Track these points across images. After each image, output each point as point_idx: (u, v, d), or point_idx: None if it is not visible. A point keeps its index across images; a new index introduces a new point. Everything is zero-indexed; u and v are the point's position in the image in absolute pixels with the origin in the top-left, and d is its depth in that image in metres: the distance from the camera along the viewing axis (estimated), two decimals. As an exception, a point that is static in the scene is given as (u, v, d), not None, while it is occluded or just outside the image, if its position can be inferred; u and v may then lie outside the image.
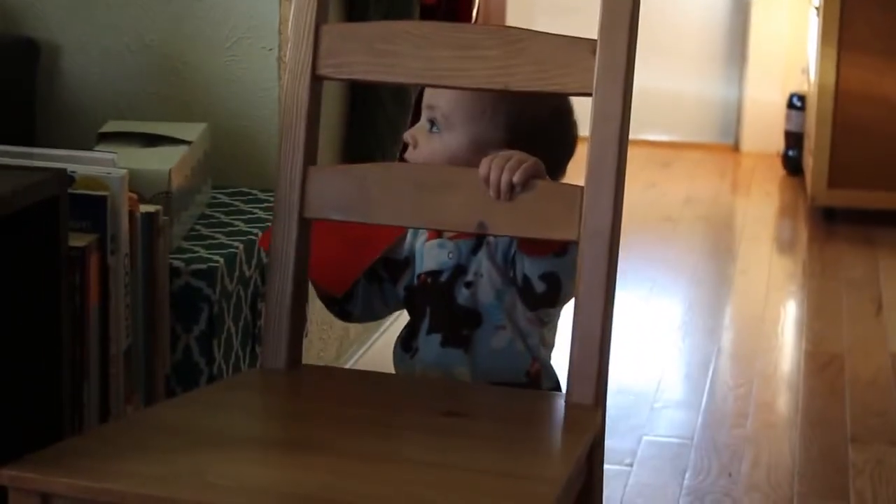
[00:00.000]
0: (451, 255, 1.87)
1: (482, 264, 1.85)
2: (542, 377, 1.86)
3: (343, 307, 1.93)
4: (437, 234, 1.89)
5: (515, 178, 1.71)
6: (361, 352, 3.06)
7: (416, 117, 2.99)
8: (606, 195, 1.69)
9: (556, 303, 1.79)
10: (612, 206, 1.69)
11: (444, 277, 1.87)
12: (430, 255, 1.89)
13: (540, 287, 1.79)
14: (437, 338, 1.86)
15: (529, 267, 1.79)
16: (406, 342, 1.91)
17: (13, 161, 1.79)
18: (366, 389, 1.80)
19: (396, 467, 1.52)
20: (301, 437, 1.62)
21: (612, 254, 1.70)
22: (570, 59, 1.71)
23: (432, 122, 1.86)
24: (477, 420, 1.67)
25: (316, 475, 1.49)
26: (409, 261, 1.92)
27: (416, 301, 1.89)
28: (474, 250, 1.86)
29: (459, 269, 1.87)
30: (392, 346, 1.94)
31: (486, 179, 1.73)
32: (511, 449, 1.57)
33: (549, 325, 1.87)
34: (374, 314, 1.96)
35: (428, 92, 1.87)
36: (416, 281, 1.90)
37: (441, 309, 1.86)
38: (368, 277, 1.92)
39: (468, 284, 1.86)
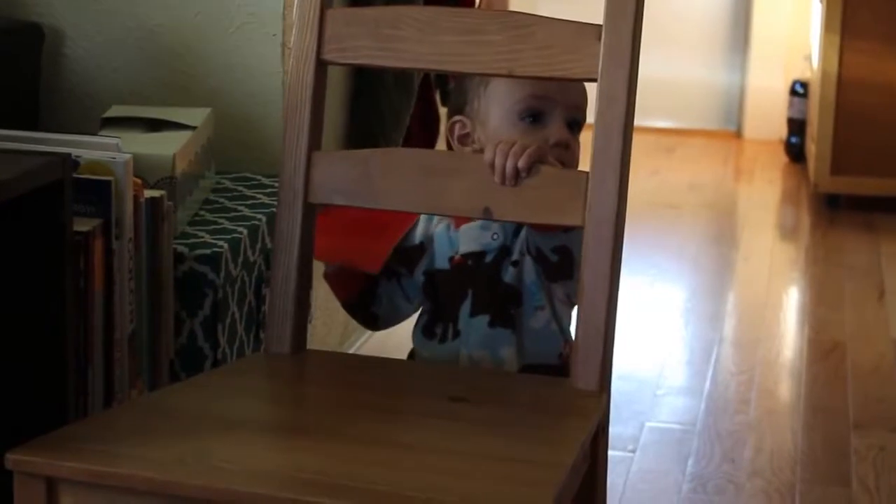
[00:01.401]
0: (495, 237, 1.86)
1: (525, 244, 1.85)
2: (570, 360, 1.86)
3: (368, 310, 1.93)
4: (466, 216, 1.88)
5: (520, 164, 1.71)
6: (365, 337, 3.07)
7: (423, 102, 3.02)
8: (612, 181, 1.69)
9: (572, 273, 1.78)
10: (617, 191, 1.69)
11: (489, 258, 1.87)
12: (469, 236, 1.88)
13: (553, 257, 1.80)
14: (484, 319, 1.86)
15: (540, 241, 1.80)
16: (429, 329, 1.90)
17: (18, 146, 1.79)
18: (370, 375, 1.80)
19: (401, 452, 1.52)
20: (305, 422, 1.63)
21: (618, 239, 1.70)
22: (575, 45, 1.71)
23: (578, 124, 1.86)
24: (482, 405, 1.67)
25: (320, 459, 1.49)
26: (423, 246, 1.91)
27: (451, 284, 1.88)
28: (517, 230, 1.86)
29: (505, 250, 1.86)
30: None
31: (492, 165, 1.73)
32: (516, 434, 1.58)
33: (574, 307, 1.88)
34: (399, 312, 1.95)
35: (564, 93, 1.84)
36: (448, 264, 1.89)
37: (486, 290, 1.86)
38: (387, 275, 1.91)
39: (515, 263, 1.86)
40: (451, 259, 1.89)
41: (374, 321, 1.95)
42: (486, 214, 1.74)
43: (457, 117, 1.89)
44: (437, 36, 1.76)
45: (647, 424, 3.01)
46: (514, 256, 1.86)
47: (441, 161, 1.79)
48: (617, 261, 1.70)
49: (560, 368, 1.85)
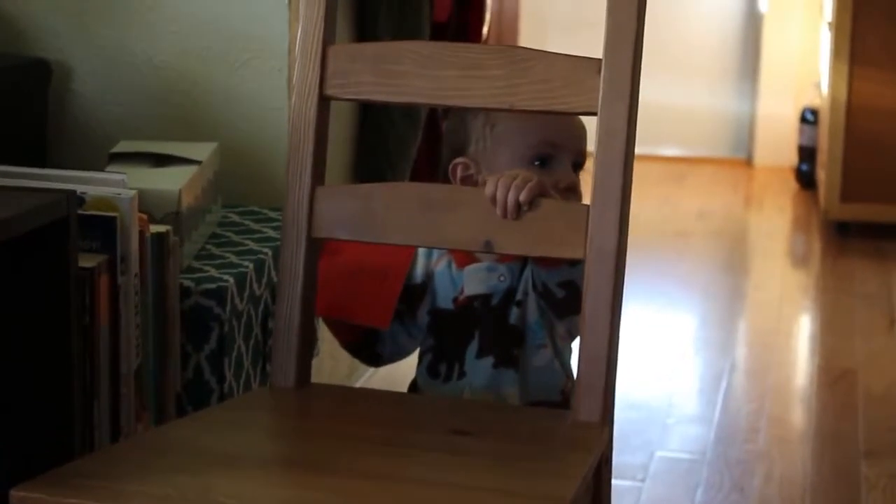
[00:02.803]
0: (502, 279, 1.87)
1: (529, 282, 1.86)
2: (573, 396, 1.86)
3: (372, 350, 1.93)
4: (468, 256, 1.88)
5: (522, 197, 1.72)
6: (372, 370, 3.07)
7: (429, 136, 3.03)
8: (612, 213, 1.70)
9: (579, 308, 1.76)
10: (617, 224, 1.70)
11: (495, 301, 1.87)
12: (475, 278, 1.88)
13: (559, 293, 1.81)
14: (488, 361, 1.86)
15: (546, 277, 1.81)
16: (433, 368, 1.90)
17: (24, 182, 1.80)
18: (373, 408, 1.80)
19: (404, 486, 1.52)
20: (309, 457, 1.63)
21: (619, 272, 1.70)
22: (575, 79, 1.72)
23: (581, 165, 1.88)
24: (484, 438, 1.67)
25: (324, 495, 1.49)
26: (425, 285, 1.91)
27: (456, 325, 1.88)
28: (521, 271, 1.87)
29: (510, 291, 1.87)
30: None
31: (493, 198, 1.73)
32: (518, 467, 1.58)
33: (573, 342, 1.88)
34: (402, 350, 1.95)
35: (571, 138, 1.87)
36: (451, 304, 1.89)
37: (492, 331, 1.86)
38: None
39: (518, 304, 1.86)
40: (454, 300, 1.89)
41: (378, 360, 1.95)
42: (488, 247, 1.74)
43: (459, 159, 1.89)
44: (438, 71, 1.77)
45: (657, 453, 3.01)
46: (518, 296, 1.86)
47: (443, 194, 1.80)
48: (618, 293, 1.71)
49: (562, 404, 1.85)
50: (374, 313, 1.88)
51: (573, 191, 1.85)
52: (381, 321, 1.88)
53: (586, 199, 1.74)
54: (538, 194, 1.73)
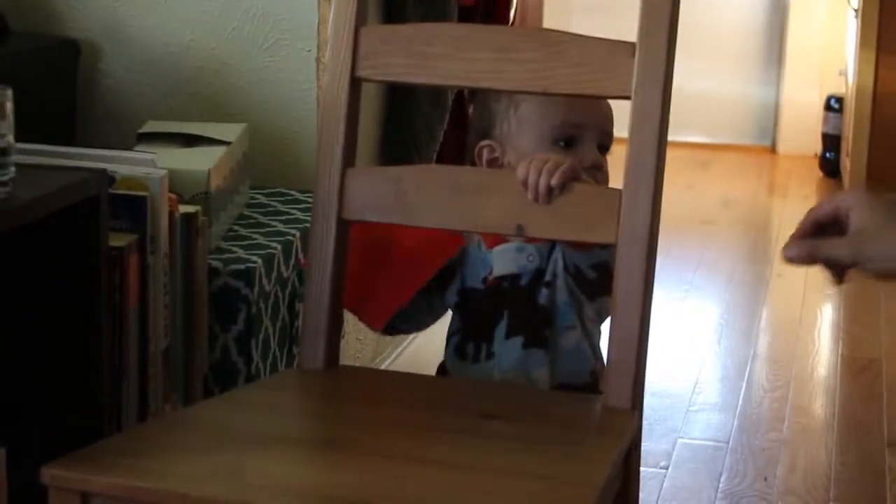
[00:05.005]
0: (531, 258, 1.86)
1: (559, 263, 1.86)
2: (601, 378, 1.86)
3: (393, 323, 1.91)
4: (497, 236, 1.87)
5: (553, 181, 1.71)
6: (398, 353, 3.07)
7: (456, 120, 3.02)
8: (644, 198, 1.69)
9: (610, 290, 1.74)
10: (650, 209, 1.69)
11: (524, 281, 1.86)
12: (504, 258, 1.87)
13: (591, 275, 1.81)
14: (518, 341, 1.85)
15: (578, 259, 1.81)
16: (461, 349, 1.89)
17: (54, 161, 1.80)
18: (402, 391, 1.80)
19: (433, 469, 1.52)
20: (338, 438, 1.63)
21: (650, 257, 1.69)
22: (609, 63, 1.71)
23: (606, 147, 1.87)
24: (513, 422, 1.67)
25: (352, 476, 1.49)
26: (455, 266, 1.90)
27: (485, 305, 1.88)
28: (549, 251, 1.86)
29: (539, 271, 1.87)
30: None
31: (524, 182, 1.73)
32: (548, 451, 1.58)
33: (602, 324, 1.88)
34: (420, 325, 1.94)
35: (595, 118, 1.85)
36: (481, 284, 1.89)
37: (522, 312, 1.86)
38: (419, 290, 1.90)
39: (548, 284, 1.86)
40: (484, 280, 1.89)
41: (394, 331, 1.94)
42: (519, 231, 1.74)
43: (485, 141, 1.88)
44: (471, 53, 1.76)
45: (680, 441, 3.00)
46: (547, 277, 1.86)
47: (474, 178, 1.79)
48: (650, 278, 1.70)
49: (591, 386, 1.85)
50: (372, 312, 1.86)
51: (598, 169, 1.84)
52: (376, 323, 1.87)
53: (617, 183, 1.74)
54: (570, 178, 1.72)
